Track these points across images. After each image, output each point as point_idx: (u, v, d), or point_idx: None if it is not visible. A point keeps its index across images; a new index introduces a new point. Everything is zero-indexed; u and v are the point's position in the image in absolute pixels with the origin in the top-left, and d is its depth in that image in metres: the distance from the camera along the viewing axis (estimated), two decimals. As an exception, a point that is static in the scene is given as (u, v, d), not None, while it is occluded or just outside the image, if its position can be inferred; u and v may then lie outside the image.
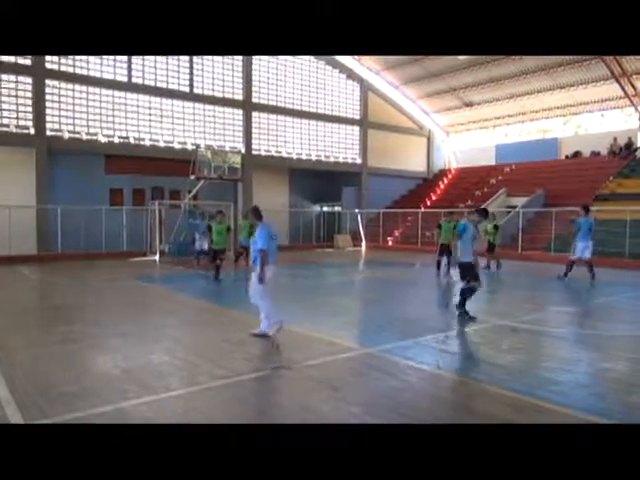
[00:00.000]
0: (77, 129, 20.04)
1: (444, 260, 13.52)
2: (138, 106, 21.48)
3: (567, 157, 26.73)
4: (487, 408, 4.27)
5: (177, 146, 22.38)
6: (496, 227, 15.89)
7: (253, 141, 24.62)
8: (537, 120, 28.82)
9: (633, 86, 23.40)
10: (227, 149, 22.90)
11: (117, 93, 20.89)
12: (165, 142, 22.16)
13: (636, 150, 23.67)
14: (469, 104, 29.25)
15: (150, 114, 21.83)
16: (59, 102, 19.66)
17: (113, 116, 20.89)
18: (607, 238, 17.81)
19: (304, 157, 26.59)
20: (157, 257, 18.59)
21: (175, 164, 21.26)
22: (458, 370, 5.32)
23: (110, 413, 4.01)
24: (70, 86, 19.77)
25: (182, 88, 22.50)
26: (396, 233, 26.15)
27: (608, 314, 8.88)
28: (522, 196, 23.33)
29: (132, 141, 21.31)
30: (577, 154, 26.42)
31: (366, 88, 28.71)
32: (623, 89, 23.46)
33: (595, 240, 17.80)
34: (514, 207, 22.63)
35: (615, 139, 24.82)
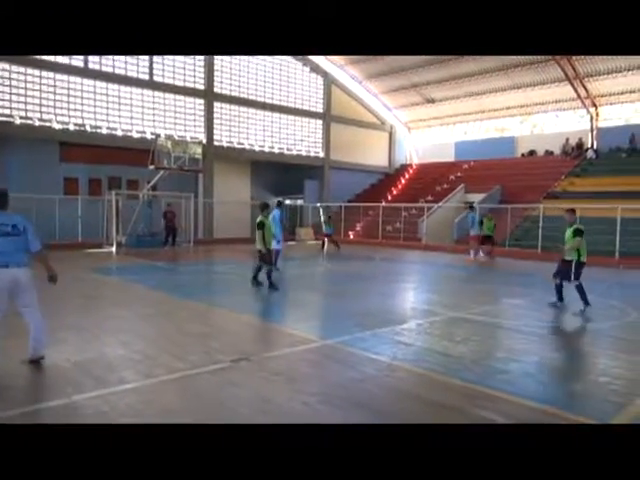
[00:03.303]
0: (29, 115, 19.25)
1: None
2: (95, 93, 20.82)
3: (523, 155, 27.64)
4: (441, 397, 4.42)
5: (136, 135, 21.83)
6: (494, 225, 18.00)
7: (215, 132, 24.29)
8: (495, 119, 29.61)
9: (585, 88, 24.36)
10: (188, 139, 22.51)
11: (72, 78, 20.17)
12: (123, 131, 21.57)
13: (587, 150, 24.67)
14: (430, 101, 29.74)
15: (107, 101, 21.19)
16: (9, 86, 18.83)
17: (68, 102, 20.17)
18: (557, 235, 18.51)
19: (266, 149, 26.44)
20: (114, 248, 18.13)
21: (133, 153, 20.74)
22: (413, 361, 5.46)
23: (60, 407, 3.92)
24: (22, 69, 18.95)
25: (141, 76, 21.94)
26: (358, 227, 26.40)
27: (557, 307, 9.26)
28: (480, 192, 23.99)
29: (88, 129, 20.64)
30: (532, 153, 27.35)
31: (330, 82, 28.76)
32: (576, 91, 24.39)
33: (545, 237, 18.63)
34: (472, 202, 23.21)
35: (567, 139, 25.81)
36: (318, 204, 27.79)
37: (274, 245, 11.84)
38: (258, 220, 10.22)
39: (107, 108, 21.19)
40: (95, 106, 20.87)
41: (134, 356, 5.39)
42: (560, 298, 8.62)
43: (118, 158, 21.33)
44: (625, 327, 7.53)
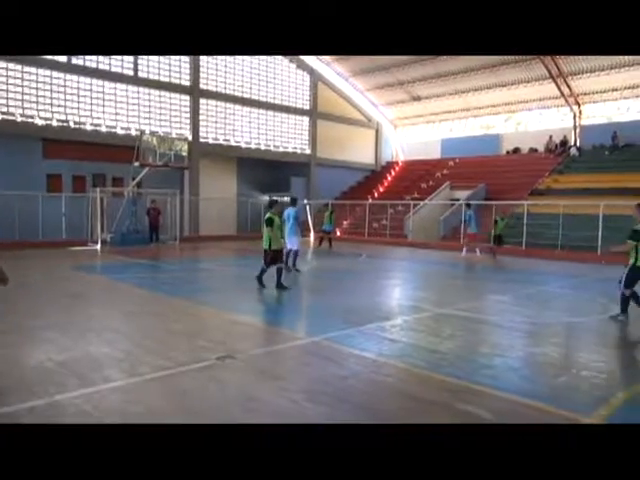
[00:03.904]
0: (11, 110, 18.94)
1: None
2: (78, 89, 20.54)
3: (508, 153, 27.90)
4: (426, 393, 4.44)
5: (120, 131, 21.60)
6: (507, 224, 17.87)
7: (201, 128, 24.13)
8: (480, 116, 29.83)
9: (569, 86, 24.64)
10: (174, 136, 22.34)
11: (55, 74, 19.88)
12: (107, 127, 21.32)
13: (570, 148, 24.97)
14: (416, 98, 29.85)
15: (91, 97, 20.92)
16: (-10, 81, 18.52)
17: (51, 98, 19.89)
18: (541, 231, 18.77)
19: (253, 146, 26.34)
20: (99, 246, 17.95)
21: (118, 150, 20.52)
22: (399, 357, 5.48)
23: (42, 407, 3.87)
24: (3, 64, 18.62)
25: (126, 72, 21.69)
26: (344, 224, 26.43)
27: (540, 302, 9.39)
28: (465, 189, 24.16)
29: (72, 125, 20.38)
30: (517, 150, 27.61)
31: (316, 78, 28.72)
32: (559, 89, 24.66)
33: (529, 234, 18.84)
34: (457, 200, 23.40)
35: (551, 137, 26.11)
36: (305, 201, 27.76)
37: (289, 245, 11.75)
38: (267, 216, 9.57)
39: (91, 104, 20.92)
40: (79, 102, 20.60)
41: (119, 355, 5.33)
42: (624, 309, 7.49)
43: (103, 155, 21.08)
44: (607, 322, 7.65)
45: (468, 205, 18.09)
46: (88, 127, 20.80)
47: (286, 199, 27.82)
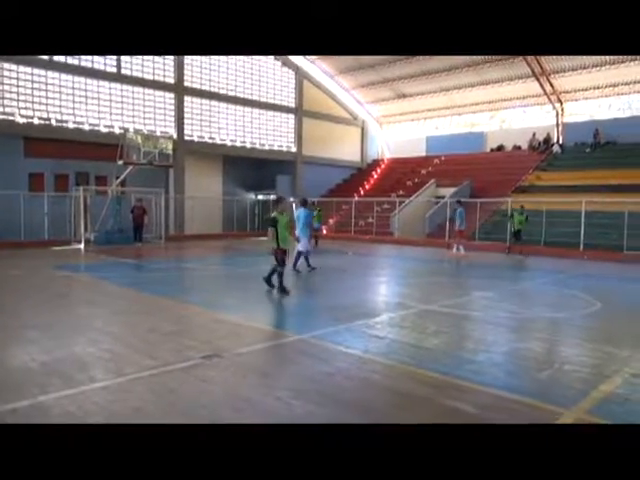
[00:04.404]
0: (-9, 108, 18.64)
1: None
2: (60, 86, 20.27)
3: (492, 150, 28.16)
4: (411, 388, 4.48)
5: (103, 130, 21.37)
6: (526, 219, 17.07)
7: (185, 126, 23.97)
8: (465, 114, 30.07)
9: (551, 84, 24.94)
10: (158, 134, 22.16)
11: (37, 71, 19.59)
12: (90, 125, 21.08)
13: (553, 145, 25.29)
14: (402, 96, 29.98)
15: (74, 95, 20.65)
16: (-31, 78, 18.20)
17: (32, 95, 19.59)
18: (525, 227, 18.97)
19: (238, 144, 26.23)
20: (82, 246, 17.75)
21: (102, 148, 20.31)
22: (385, 353, 5.52)
23: (26, 408, 3.83)
24: (-18, 61, 18.32)
25: (109, 69, 21.45)
26: (330, 221, 26.47)
27: (524, 298, 9.51)
28: (450, 187, 24.34)
29: (54, 123, 20.11)
30: (501, 148, 27.89)
31: (301, 76, 28.68)
32: (542, 87, 24.95)
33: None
34: (442, 197, 23.56)
35: (534, 134, 26.40)
36: (291, 199, 27.71)
37: (298, 247, 11.75)
38: (272, 216, 9.17)
39: (73, 102, 20.66)
40: (61, 99, 20.33)
41: (104, 354, 5.29)
42: None
43: (86, 153, 20.83)
44: (589, 316, 7.78)
45: (459, 202, 17.99)
46: (71, 125, 20.54)
47: (272, 197, 27.96)
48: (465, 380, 4.65)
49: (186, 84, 23.85)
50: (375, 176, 31.09)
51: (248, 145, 26.63)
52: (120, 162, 18.71)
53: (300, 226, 11.82)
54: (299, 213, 11.97)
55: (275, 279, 9.15)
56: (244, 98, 26.24)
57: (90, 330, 6.34)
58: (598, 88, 24.25)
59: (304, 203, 12.36)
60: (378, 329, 6.65)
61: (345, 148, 31.68)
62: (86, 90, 20.95)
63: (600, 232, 17.17)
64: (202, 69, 24.54)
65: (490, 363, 5.30)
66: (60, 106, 20.32)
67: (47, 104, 19.97)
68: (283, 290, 8.97)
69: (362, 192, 28.93)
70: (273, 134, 27.88)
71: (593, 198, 17.69)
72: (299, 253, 11.91)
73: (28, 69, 19.33)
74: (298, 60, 28.35)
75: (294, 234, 11.64)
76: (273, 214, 9.17)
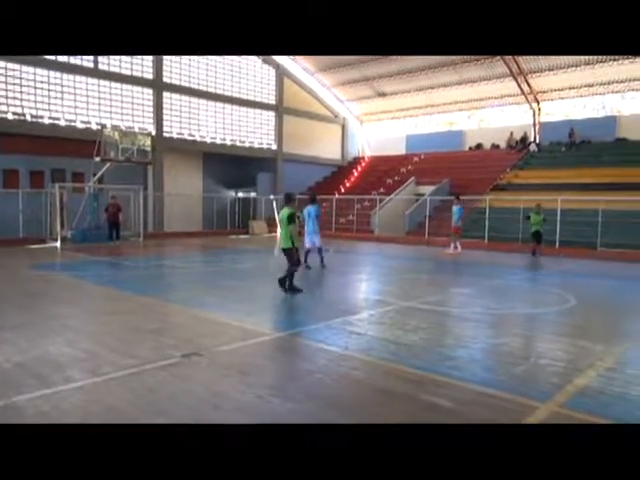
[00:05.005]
0: (-38, 103, 18.16)
1: None
2: (35, 81, 19.84)
3: (471, 149, 28.48)
4: (391, 385, 4.52)
5: (80, 125, 21.00)
6: (544, 219, 15.85)
7: (164, 123, 23.70)
8: (444, 113, 30.34)
9: (528, 84, 25.31)
10: (136, 130, 21.86)
11: (10, 65, 19.14)
12: (67, 121, 20.69)
13: (530, 144, 25.70)
14: (382, 94, 30.10)
15: (49, 90, 20.24)
16: (-60, 72, 17.68)
17: (6, 90, 19.14)
18: (502, 225, 19.28)
19: (218, 141, 26.04)
20: (59, 244, 17.42)
21: (78, 145, 19.96)
22: (365, 350, 5.55)
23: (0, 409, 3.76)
24: (-47, 54, 17.81)
25: (86, 64, 21.07)
26: (311, 219, 26.43)
27: (502, 295, 9.66)
28: (429, 185, 24.55)
29: (29, 118, 19.69)
30: (479, 146, 28.23)
31: (282, 73, 28.58)
32: (520, 87, 25.32)
33: (491, 228, 19.27)
34: (422, 195, 23.75)
35: (512, 133, 26.79)
36: (271, 196, 27.66)
37: (308, 244, 11.92)
38: (289, 212, 8.53)
39: (49, 97, 20.24)
40: (36, 94, 19.90)
41: (80, 354, 5.21)
42: None
43: (62, 149, 20.44)
44: (564, 312, 7.94)
45: (458, 198, 17.48)
46: (46, 120, 20.13)
47: (252, 194, 27.87)
48: (444, 376, 4.70)
49: (165, 80, 23.57)
50: (356, 174, 31.18)
51: (228, 142, 26.45)
52: (97, 159, 18.41)
53: (310, 223, 12.05)
54: (309, 210, 12.19)
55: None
56: (224, 95, 26.05)
57: (67, 330, 6.24)
58: (574, 88, 24.70)
59: (313, 200, 12.58)
60: (358, 326, 6.68)
61: (326, 146, 31.70)
62: (62, 85, 20.54)
63: (575, 230, 17.51)
64: (181, 65, 24.27)
65: (468, 359, 5.37)
66: (35, 101, 19.90)
67: (22, 99, 19.54)
68: (294, 289, 8.60)
69: (343, 190, 28.98)
70: (254, 131, 27.74)
71: (568, 196, 18.02)
72: (315, 248, 12.14)
73: (2, 64, 18.88)
74: (278, 57, 28.23)
75: (303, 232, 11.90)
76: (291, 211, 8.61)
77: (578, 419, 3.80)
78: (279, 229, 8.74)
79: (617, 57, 21.80)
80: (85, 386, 4.32)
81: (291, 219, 8.49)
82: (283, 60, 28.53)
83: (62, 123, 20.54)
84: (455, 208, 17.03)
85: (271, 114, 28.42)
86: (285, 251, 8.67)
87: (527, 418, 3.79)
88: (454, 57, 24.65)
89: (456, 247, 17.11)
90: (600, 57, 22.06)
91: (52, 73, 20.19)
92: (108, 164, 18.98)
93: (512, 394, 4.26)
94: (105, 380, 4.47)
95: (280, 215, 8.80)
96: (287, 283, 8.61)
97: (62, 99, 20.59)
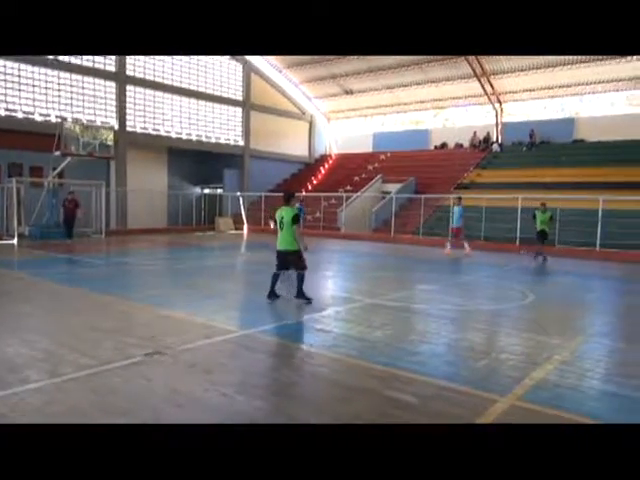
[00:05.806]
0: None
1: None
2: (-10, 71, 19.04)
3: (436, 147, 28.94)
4: (356, 381, 4.56)
5: (39, 118, 20.30)
6: (551, 217, 15.48)
7: (128, 117, 23.15)
8: (410, 111, 30.71)
9: (491, 85, 25.89)
10: (98, 124, 21.27)
11: (-37, 54, 18.30)
12: (24, 113, 19.96)
13: (492, 144, 26.31)
14: (349, 92, 30.22)
15: (5, 80, 19.47)
16: None
17: (-42, 80, 18.32)
18: (466, 223, 19.65)
19: (184, 137, 25.62)
20: (15, 241, 16.82)
21: (37, 138, 19.27)
22: (331, 347, 5.58)
23: (-47, 412, 3.61)
24: None
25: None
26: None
27: (465, 291, 9.87)
28: (396, 182, 24.83)
29: (-17, 110, 18.89)
30: (444, 145, 28.72)
31: (249, 69, 28.34)
32: (483, 87, 25.87)
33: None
34: (388, 193, 23.99)
35: (475, 133, 27.36)
36: (238, 193, 27.42)
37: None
38: (293, 212, 7.88)
39: (5, 87, 19.48)
40: (-9, 85, 19.12)
41: (38, 355, 5.06)
42: None
43: (19, 142, 19.70)
44: (523, 308, 8.19)
45: (459, 198, 17.01)
46: (2, 112, 19.37)
47: (219, 191, 27.56)
48: (408, 371, 4.78)
49: (128, 73, 23.01)
50: (323, 171, 31.24)
51: (194, 138, 26.07)
52: (57, 153, 17.84)
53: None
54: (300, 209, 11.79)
55: (277, 286, 8.23)
56: (190, 89, 25.64)
57: (23, 330, 6.04)
58: (535, 90, 25.41)
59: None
60: (324, 323, 6.72)
61: (293, 143, 31.62)
62: (19, 76, 19.80)
63: (535, 228, 18.00)
64: (146, 58, 23.73)
65: (431, 354, 5.48)
66: (-10, 92, 19.12)
67: (-25, 90, 18.75)
68: (305, 297, 7.93)
69: (310, 187, 28.99)
70: (220, 127, 27.41)
71: (528, 195, 18.54)
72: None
73: (-47, 51, 18.04)
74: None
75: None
76: (294, 211, 8.02)
77: (535, 411, 3.93)
78: (278, 230, 8.10)
79: (576, 61, 22.56)
80: (44, 387, 4.20)
81: (295, 219, 7.86)
82: (251, 56, 28.28)
83: (19, 115, 19.81)
84: (456, 209, 16.84)
85: (238, 110, 28.15)
86: (289, 255, 7.97)
87: (487, 411, 3.90)
88: (420, 56, 24.97)
89: (462, 247, 16.48)
90: (561, 60, 22.76)
91: (9, 63, 19.42)
92: (68, 159, 18.41)
93: (473, 388, 4.37)
94: (65, 380, 4.36)
95: (280, 215, 8.01)
96: (297, 288, 7.96)
97: (19, 90, 19.84)
